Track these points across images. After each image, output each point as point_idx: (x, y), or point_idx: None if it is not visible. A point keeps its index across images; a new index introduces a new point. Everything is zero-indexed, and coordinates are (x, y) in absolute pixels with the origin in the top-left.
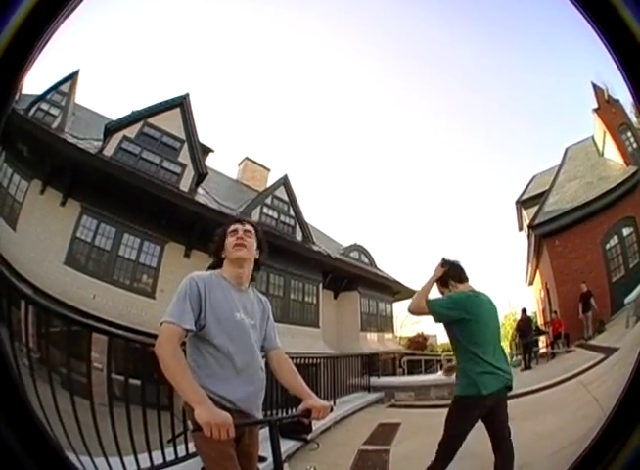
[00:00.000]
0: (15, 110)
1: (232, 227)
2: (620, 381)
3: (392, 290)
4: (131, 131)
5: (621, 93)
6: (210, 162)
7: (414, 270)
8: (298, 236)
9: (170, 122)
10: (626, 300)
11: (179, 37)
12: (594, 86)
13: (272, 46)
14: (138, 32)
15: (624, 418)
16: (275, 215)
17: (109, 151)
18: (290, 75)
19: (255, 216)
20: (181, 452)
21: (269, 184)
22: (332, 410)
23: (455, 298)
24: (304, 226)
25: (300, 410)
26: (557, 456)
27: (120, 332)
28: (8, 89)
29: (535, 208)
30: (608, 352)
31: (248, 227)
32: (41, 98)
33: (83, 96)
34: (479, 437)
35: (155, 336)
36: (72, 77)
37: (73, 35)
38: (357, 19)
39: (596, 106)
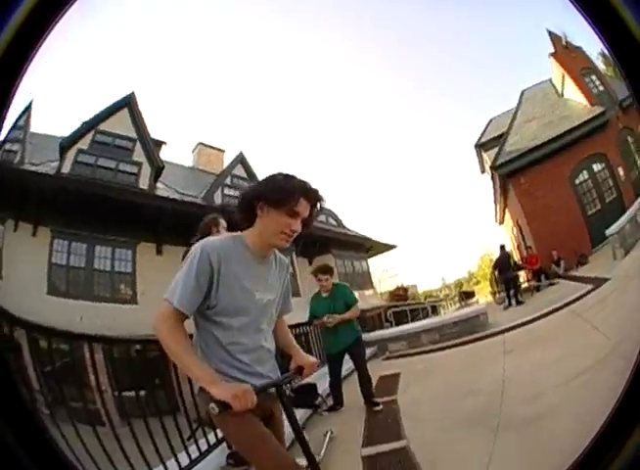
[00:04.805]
0: None
1: (299, 205)
2: (619, 309)
3: (365, 247)
4: (84, 142)
5: (584, 41)
6: (165, 154)
7: (383, 224)
8: None
9: (120, 124)
10: (607, 232)
11: (118, 33)
12: (550, 33)
13: (209, 24)
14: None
15: (626, 416)
16: (237, 194)
17: (66, 168)
18: (230, 50)
19: (218, 199)
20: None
21: (226, 165)
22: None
23: None
24: None
25: (293, 368)
26: (568, 386)
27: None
28: (7, 90)
29: (495, 149)
30: (596, 282)
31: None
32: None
33: (36, 123)
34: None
35: (146, 341)
36: (28, 109)
37: None
38: None
39: (552, 51)
